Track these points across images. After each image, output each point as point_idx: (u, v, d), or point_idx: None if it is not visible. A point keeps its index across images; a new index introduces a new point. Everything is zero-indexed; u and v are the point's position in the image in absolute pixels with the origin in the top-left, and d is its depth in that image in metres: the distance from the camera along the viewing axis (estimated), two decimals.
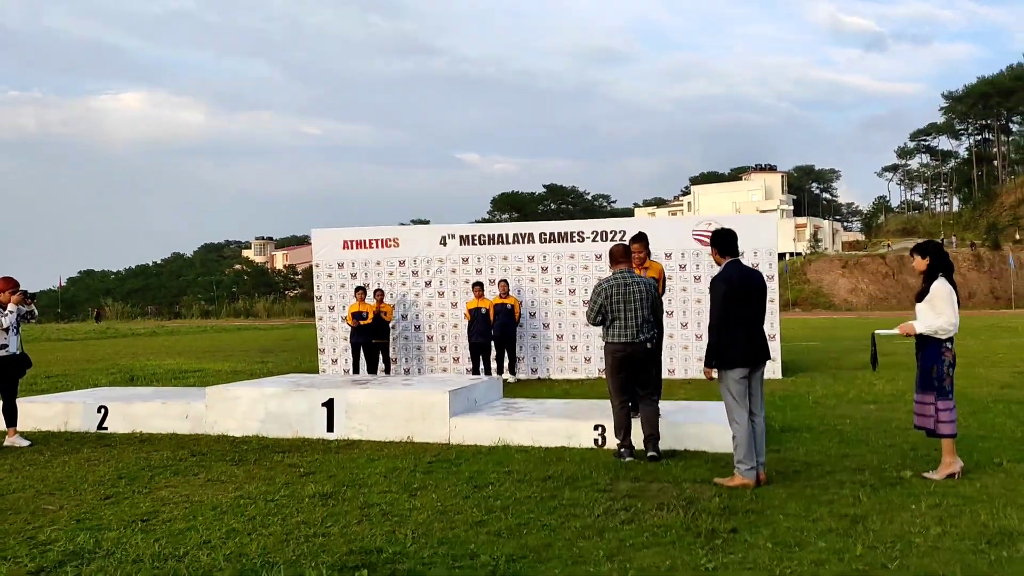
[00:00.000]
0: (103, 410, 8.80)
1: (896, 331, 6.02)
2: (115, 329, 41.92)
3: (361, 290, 13.32)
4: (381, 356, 13.47)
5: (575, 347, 13.43)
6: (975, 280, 67.35)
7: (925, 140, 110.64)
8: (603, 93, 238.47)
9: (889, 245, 77.84)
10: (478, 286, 12.66)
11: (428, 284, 14.02)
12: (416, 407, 7.79)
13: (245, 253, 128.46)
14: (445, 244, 13.94)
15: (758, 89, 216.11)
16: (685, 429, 7.02)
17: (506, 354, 13.03)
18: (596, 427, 7.23)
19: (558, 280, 13.50)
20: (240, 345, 26.97)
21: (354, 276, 14.27)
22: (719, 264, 6.03)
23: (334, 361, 14.44)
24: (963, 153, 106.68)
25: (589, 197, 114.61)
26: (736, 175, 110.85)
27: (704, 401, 9.04)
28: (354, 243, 14.30)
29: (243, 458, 7.10)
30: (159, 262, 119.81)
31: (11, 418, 8.09)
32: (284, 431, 8.14)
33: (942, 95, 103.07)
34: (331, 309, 14.46)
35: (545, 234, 13.58)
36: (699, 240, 12.94)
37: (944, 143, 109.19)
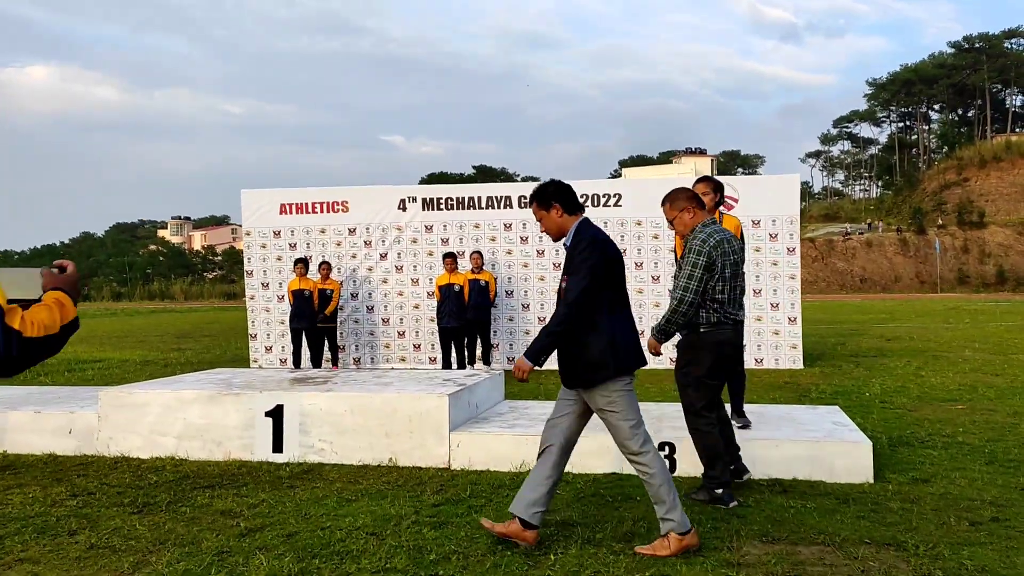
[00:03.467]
0: None
1: None
2: None
3: (302, 263, 10.93)
4: (327, 344, 11.13)
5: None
6: (901, 264, 68.43)
7: (847, 127, 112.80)
8: (530, 77, 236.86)
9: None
10: (450, 258, 10.45)
11: (384, 256, 11.70)
12: (400, 417, 5.58)
13: (161, 233, 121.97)
14: (404, 209, 11.63)
15: (682, 76, 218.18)
16: (777, 450, 5.01)
17: (479, 340, 10.88)
18: (662, 446, 5.17)
19: (540, 252, 11.38)
20: (153, 329, 23.96)
21: (294, 247, 11.84)
22: (562, 230, 3.85)
23: (268, 349, 12.00)
24: (883, 140, 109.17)
25: (519, 179, 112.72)
26: (665, 159, 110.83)
27: (779, 405, 7.09)
28: (293, 206, 11.85)
29: (151, 501, 4.77)
30: (67, 242, 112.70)
31: None
32: (211, 452, 5.82)
33: (866, 82, 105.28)
34: (265, 286, 11.99)
35: (525, 197, 11.42)
36: None
37: (866, 130, 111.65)
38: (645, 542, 3.81)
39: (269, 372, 7.72)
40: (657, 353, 4.57)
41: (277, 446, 5.74)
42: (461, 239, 11.45)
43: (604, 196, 11.23)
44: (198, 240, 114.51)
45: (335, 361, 11.26)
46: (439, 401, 5.54)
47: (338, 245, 11.77)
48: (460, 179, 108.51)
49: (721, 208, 5.84)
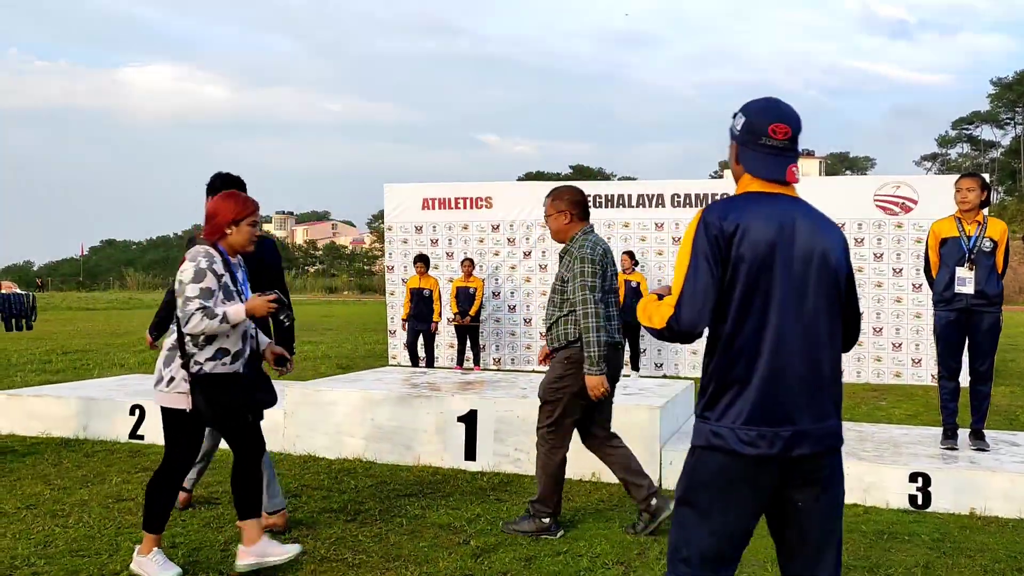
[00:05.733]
0: (138, 411, 6.26)
1: None
2: (138, 300, 39.56)
3: (422, 261, 10.50)
4: (469, 343, 10.90)
5: None
6: None
7: (967, 129, 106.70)
8: (626, 76, 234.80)
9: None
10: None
11: (527, 255, 11.39)
12: None
13: (265, 227, 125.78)
14: None
15: (785, 76, 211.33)
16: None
17: (627, 344, 10.42)
18: (914, 476, 4.59)
19: None
20: None
21: (435, 242, 11.67)
22: None
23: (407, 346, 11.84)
24: (1007, 143, 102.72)
25: (616, 179, 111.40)
26: None
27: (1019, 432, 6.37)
28: (436, 202, 11.68)
29: (361, 508, 4.52)
30: (180, 234, 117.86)
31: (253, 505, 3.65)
32: (401, 455, 5.57)
33: (990, 81, 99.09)
34: (406, 282, 11.85)
35: (679, 196, 10.91)
36: (883, 207, 10.24)
37: (987, 132, 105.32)
38: None
39: (447, 372, 7.47)
40: (605, 390, 3.95)
41: (470, 453, 5.44)
42: (609, 238, 11.00)
43: None
44: (300, 235, 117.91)
45: (476, 361, 11.02)
46: (651, 414, 5.12)
47: (480, 242, 11.53)
48: (557, 178, 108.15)
49: (985, 210, 5.23)
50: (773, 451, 2.00)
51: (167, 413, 3.39)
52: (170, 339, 3.44)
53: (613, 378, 4.09)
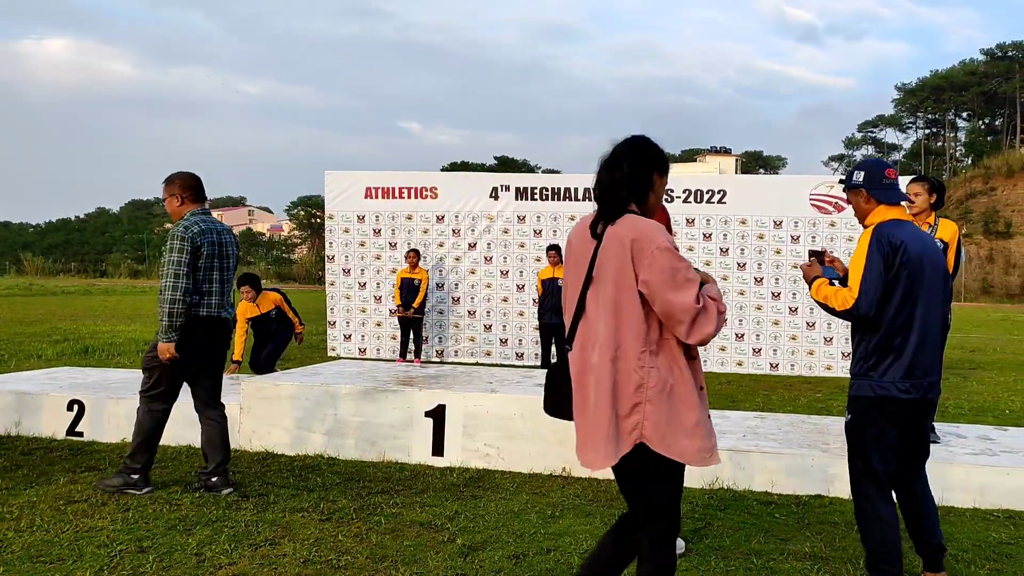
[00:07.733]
0: (76, 407, 5.92)
1: None
2: (40, 286, 37.56)
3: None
4: (412, 334, 10.76)
5: None
6: None
7: (872, 132, 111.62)
8: (551, 69, 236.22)
9: None
10: (554, 250, 9.99)
11: (472, 246, 11.29)
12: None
13: None
14: (497, 197, 11.23)
15: (703, 73, 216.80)
16: (1009, 479, 4.60)
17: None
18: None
19: None
20: None
21: (378, 232, 11.45)
22: None
23: (347, 337, 11.62)
24: (908, 146, 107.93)
25: (540, 171, 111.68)
26: (688, 156, 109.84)
27: (967, 425, 6.63)
28: (379, 191, 11.45)
29: (336, 508, 4.37)
30: (82, 216, 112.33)
31: None
32: (364, 451, 5.44)
33: (895, 87, 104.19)
34: (346, 272, 11.61)
35: None
36: (817, 206, 10.57)
37: (891, 136, 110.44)
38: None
39: (409, 367, 7.33)
40: (172, 356, 4.39)
41: (438, 449, 5.35)
42: (555, 231, 11.02)
43: (708, 192, 10.80)
44: None
45: (418, 353, 10.89)
46: None
47: (425, 232, 11.37)
48: (482, 168, 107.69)
49: (936, 212, 5.41)
50: (919, 396, 3.10)
51: None
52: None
53: (219, 351, 4.59)
